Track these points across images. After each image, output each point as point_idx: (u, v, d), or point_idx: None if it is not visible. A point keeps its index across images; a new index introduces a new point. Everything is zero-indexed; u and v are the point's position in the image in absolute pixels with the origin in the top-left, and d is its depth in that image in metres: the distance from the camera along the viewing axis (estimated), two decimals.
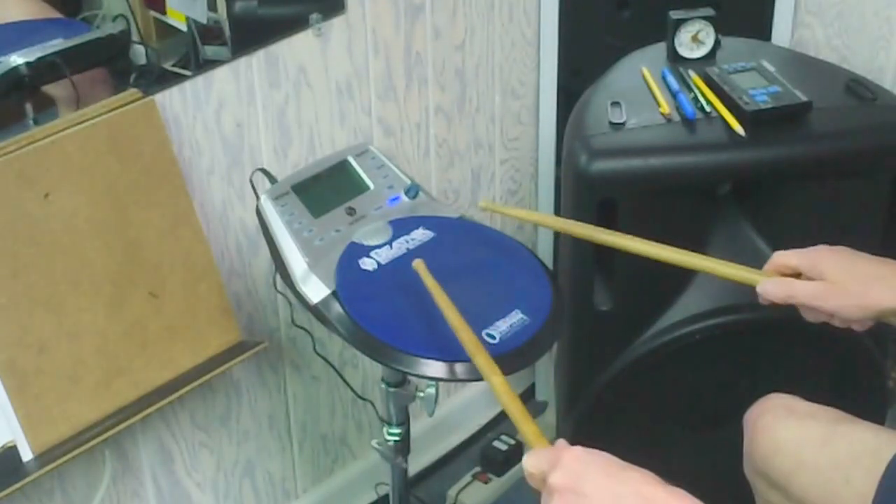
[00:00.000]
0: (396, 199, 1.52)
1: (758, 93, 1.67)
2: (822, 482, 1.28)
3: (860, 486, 1.24)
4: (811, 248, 1.29)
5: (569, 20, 2.09)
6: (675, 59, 1.83)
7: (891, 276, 1.24)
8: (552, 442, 1.00)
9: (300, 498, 2.03)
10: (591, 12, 2.10)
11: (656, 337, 1.71)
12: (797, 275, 1.28)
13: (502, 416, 2.34)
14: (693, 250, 1.55)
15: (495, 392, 1.10)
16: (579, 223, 1.46)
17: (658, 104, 1.72)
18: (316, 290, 1.38)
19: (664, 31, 1.83)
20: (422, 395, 1.50)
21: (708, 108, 1.69)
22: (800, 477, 1.31)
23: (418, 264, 1.33)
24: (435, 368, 1.28)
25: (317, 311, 1.38)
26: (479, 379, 1.26)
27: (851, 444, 1.29)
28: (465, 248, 1.45)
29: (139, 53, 1.63)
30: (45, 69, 1.47)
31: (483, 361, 1.14)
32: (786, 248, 1.71)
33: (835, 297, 1.24)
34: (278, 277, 1.55)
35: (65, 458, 1.37)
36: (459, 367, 1.28)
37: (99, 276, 1.44)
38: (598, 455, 0.97)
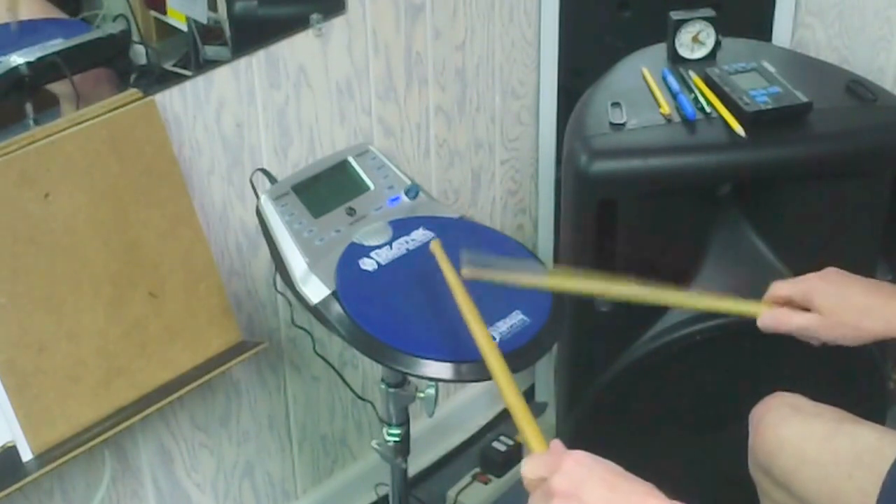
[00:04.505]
0: (396, 199, 1.52)
1: (758, 93, 1.67)
2: (825, 478, 1.29)
3: (862, 483, 1.25)
4: (802, 278, 1.34)
5: (569, 20, 2.09)
6: (675, 59, 1.83)
7: (880, 305, 1.30)
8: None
9: (300, 498, 2.03)
10: (592, 13, 2.10)
11: (656, 338, 1.71)
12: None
13: (502, 417, 2.35)
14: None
15: (501, 391, 1.09)
16: (570, 279, 1.41)
17: (658, 105, 1.72)
18: (316, 290, 1.38)
19: (665, 32, 1.83)
20: (422, 395, 1.50)
21: (708, 109, 1.69)
22: (802, 473, 1.31)
23: (435, 245, 1.32)
24: (435, 369, 1.28)
25: (317, 312, 1.37)
26: (479, 379, 1.26)
27: (854, 441, 1.29)
28: (465, 248, 1.45)
29: (139, 53, 1.63)
30: (45, 69, 1.47)
31: (492, 357, 1.13)
32: (786, 248, 1.72)
33: (828, 330, 1.31)
34: (278, 277, 1.55)
35: (65, 459, 1.37)
36: (459, 368, 1.28)
37: (99, 276, 1.44)
38: (601, 462, 0.97)
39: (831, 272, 1.34)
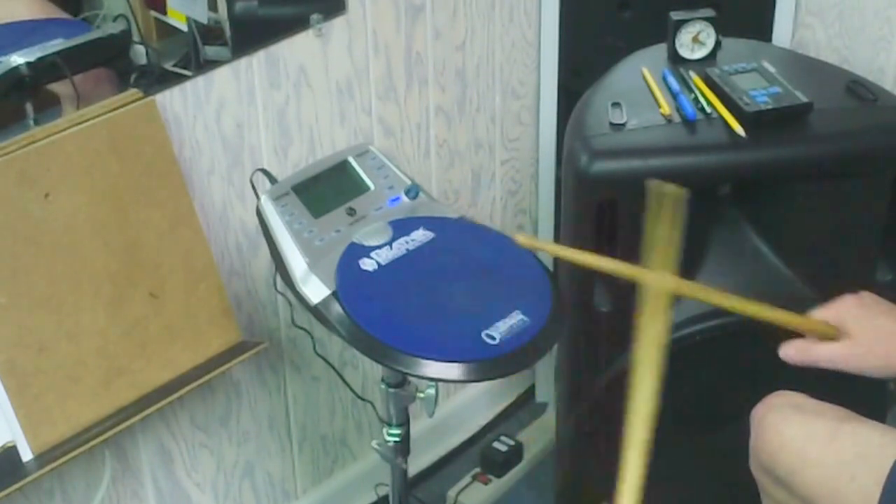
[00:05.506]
0: (397, 199, 1.52)
1: (758, 94, 1.67)
2: (827, 479, 1.29)
3: (865, 484, 1.25)
4: (838, 302, 1.32)
5: (569, 21, 2.09)
6: (675, 59, 1.83)
7: None
8: None
9: (300, 499, 2.03)
10: (592, 13, 2.09)
11: None
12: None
13: (502, 417, 2.35)
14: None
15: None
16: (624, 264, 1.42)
17: (658, 105, 1.72)
18: (316, 290, 1.38)
19: (665, 32, 1.83)
20: (422, 395, 1.50)
21: (708, 109, 1.69)
22: (804, 473, 1.31)
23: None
24: (435, 369, 1.28)
25: (317, 312, 1.38)
26: (479, 379, 1.26)
27: (857, 442, 1.29)
28: (465, 248, 1.45)
29: (140, 53, 1.63)
30: (46, 69, 1.47)
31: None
32: (786, 248, 1.72)
33: (856, 361, 1.29)
34: (278, 278, 1.55)
35: (65, 459, 1.37)
36: (459, 368, 1.28)
37: (99, 276, 1.44)
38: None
39: (866, 296, 1.33)
